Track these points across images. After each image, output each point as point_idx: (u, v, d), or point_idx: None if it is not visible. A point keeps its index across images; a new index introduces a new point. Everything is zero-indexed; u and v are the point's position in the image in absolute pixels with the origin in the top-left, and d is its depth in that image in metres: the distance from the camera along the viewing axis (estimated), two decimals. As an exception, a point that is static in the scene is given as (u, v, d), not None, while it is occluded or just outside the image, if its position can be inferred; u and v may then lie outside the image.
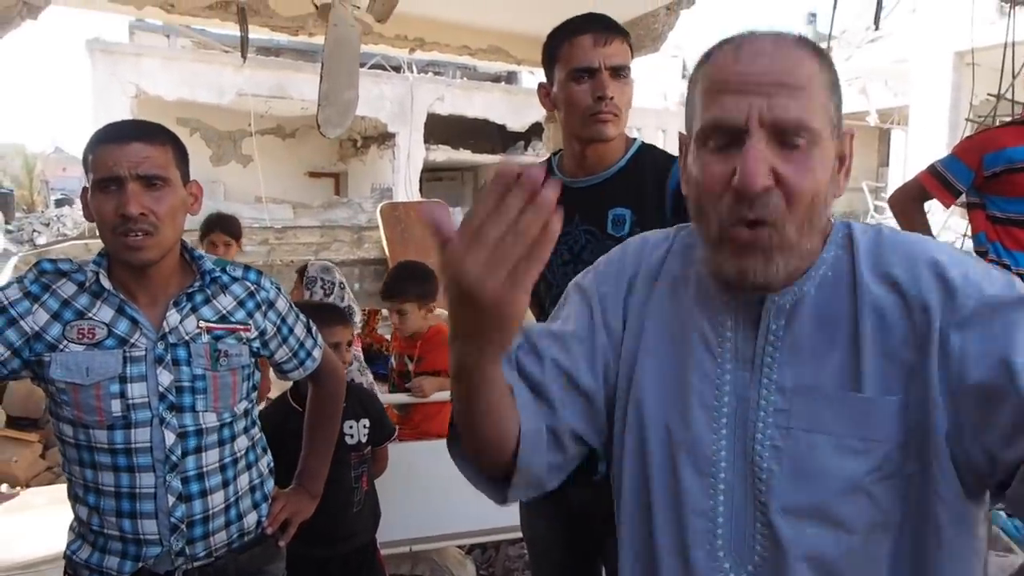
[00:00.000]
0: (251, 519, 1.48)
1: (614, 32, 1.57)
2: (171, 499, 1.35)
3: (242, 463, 1.47)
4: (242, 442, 1.47)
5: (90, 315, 1.33)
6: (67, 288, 1.34)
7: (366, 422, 2.12)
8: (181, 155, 1.38)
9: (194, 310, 1.40)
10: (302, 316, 1.59)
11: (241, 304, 1.46)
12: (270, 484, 1.56)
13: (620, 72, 1.56)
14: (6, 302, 1.30)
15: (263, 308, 1.48)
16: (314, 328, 1.63)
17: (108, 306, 1.34)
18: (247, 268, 1.52)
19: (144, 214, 1.28)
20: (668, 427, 0.87)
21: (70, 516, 1.43)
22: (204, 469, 1.39)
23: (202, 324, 1.40)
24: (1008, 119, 2.48)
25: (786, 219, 0.76)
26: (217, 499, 1.41)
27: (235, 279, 1.47)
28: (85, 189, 1.34)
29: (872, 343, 0.79)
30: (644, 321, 0.92)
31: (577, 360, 0.91)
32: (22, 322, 1.30)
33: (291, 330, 1.54)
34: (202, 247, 3.31)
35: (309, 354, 1.60)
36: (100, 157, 1.29)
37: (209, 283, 1.43)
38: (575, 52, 1.57)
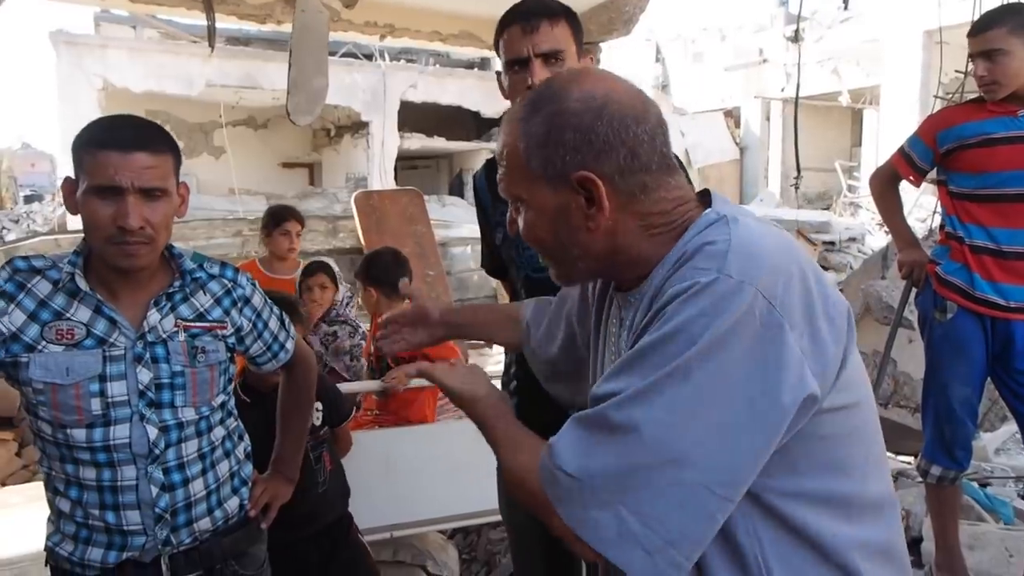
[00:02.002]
0: (233, 504, 1.51)
1: (540, 16, 1.54)
2: (154, 490, 1.37)
3: (219, 451, 1.49)
4: (219, 432, 1.49)
5: (68, 315, 1.32)
6: (42, 287, 1.33)
7: (319, 405, 2.14)
8: (178, 160, 1.38)
9: (172, 308, 1.41)
10: (275, 309, 1.61)
11: (218, 302, 1.47)
12: (248, 469, 1.59)
13: (553, 57, 1.53)
14: None
15: (239, 305, 1.50)
16: (287, 320, 1.65)
17: (85, 306, 1.33)
18: (224, 265, 1.53)
19: (143, 227, 1.27)
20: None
21: (47, 512, 1.43)
22: (184, 459, 1.41)
23: (180, 322, 1.41)
24: (973, 96, 2.52)
25: (541, 250, 0.98)
26: (198, 486, 1.43)
27: (212, 276, 1.48)
28: (69, 180, 1.32)
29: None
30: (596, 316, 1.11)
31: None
32: None
33: (266, 325, 1.56)
34: (272, 237, 3.58)
35: (283, 347, 1.62)
36: (100, 162, 1.26)
37: (189, 282, 1.44)
38: (507, 44, 1.57)
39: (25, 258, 1.35)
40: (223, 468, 1.49)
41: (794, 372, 0.77)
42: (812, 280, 0.83)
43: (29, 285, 1.32)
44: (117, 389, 1.33)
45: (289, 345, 1.63)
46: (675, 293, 0.81)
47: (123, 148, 1.26)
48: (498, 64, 1.65)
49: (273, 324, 1.58)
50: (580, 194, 0.88)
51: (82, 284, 1.33)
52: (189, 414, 1.41)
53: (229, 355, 1.49)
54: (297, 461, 1.74)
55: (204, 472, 1.45)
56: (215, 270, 1.49)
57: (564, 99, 0.89)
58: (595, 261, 0.93)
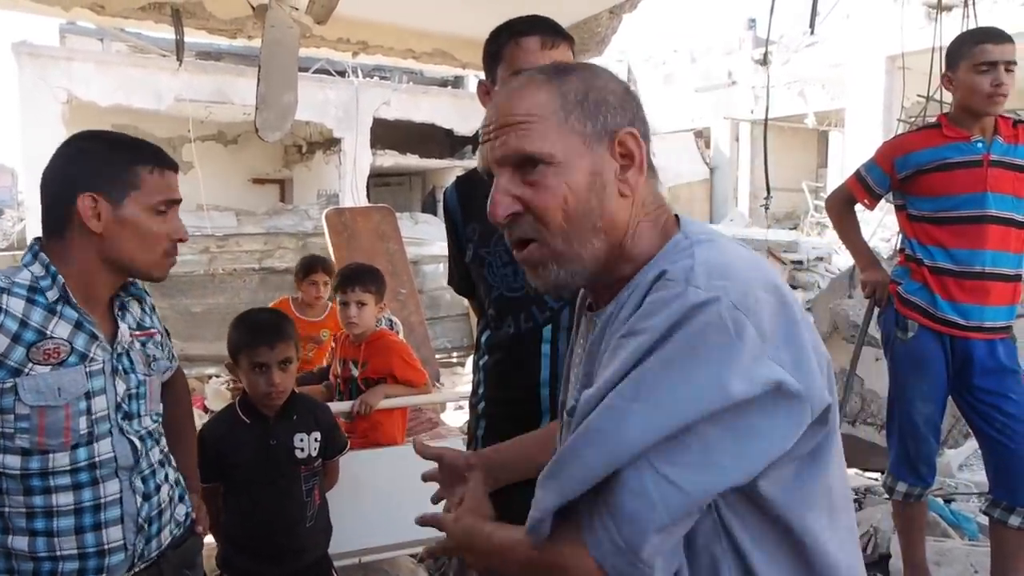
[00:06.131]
0: (181, 512, 1.51)
1: (560, 36, 1.58)
2: (138, 500, 1.36)
3: (168, 459, 1.51)
4: (163, 440, 1.51)
5: (49, 333, 1.28)
6: (14, 304, 1.26)
7: (317, 435, 2.08)
8: None
9: (123, 319, 1.42)
10: None
11: (143, 310, 1.50)
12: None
13: None
14: None
15: (153, 312, 1.54)
16: None
17: (65, 321, 1.30)
18: None
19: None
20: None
21: None
22: (154, 466, 1.43)
23: (133, 332, 1.44)
24: (933, 120, 2.59)
25: (545, 234, 0.86)
26: (164, 493, 1.45)
27: (135, 285, 1.50)
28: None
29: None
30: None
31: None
32: None
33: (165, 331, 1.58)
34: (302, 285, 3.75)
35: (174, 354, 1.62)
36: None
37: (125, 292, 1.45)
38: (520, 53, 1.55)
39: None
40: (172, 474, 1.50)
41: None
42: (794, 305, 0.82)
43: (4, 307, 1.26)
44: (99, 404, 1.32)
45: (175, 353, 1.65)
46: (648, 310, 0.80)
47: None
48: (474, 83, 1.66)
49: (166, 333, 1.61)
50: (617, 154, 0.87)
51: (74, 299, 1.31)
52: (148, 422, 1.43)
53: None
54: (197, 473, 1.71)
55: (167, 478, 1.47)
56: (137, 282, 1.51)
57: (592, 67, 0.91)
58: (610, 240, 0.87)
